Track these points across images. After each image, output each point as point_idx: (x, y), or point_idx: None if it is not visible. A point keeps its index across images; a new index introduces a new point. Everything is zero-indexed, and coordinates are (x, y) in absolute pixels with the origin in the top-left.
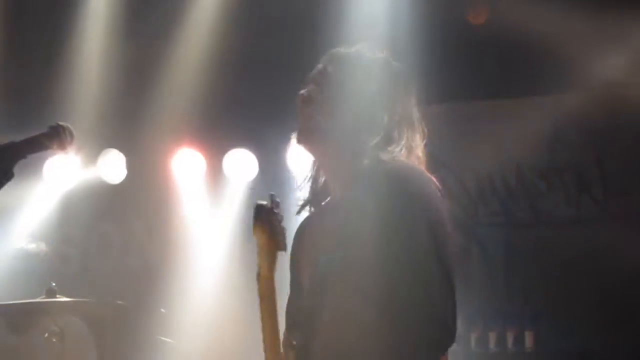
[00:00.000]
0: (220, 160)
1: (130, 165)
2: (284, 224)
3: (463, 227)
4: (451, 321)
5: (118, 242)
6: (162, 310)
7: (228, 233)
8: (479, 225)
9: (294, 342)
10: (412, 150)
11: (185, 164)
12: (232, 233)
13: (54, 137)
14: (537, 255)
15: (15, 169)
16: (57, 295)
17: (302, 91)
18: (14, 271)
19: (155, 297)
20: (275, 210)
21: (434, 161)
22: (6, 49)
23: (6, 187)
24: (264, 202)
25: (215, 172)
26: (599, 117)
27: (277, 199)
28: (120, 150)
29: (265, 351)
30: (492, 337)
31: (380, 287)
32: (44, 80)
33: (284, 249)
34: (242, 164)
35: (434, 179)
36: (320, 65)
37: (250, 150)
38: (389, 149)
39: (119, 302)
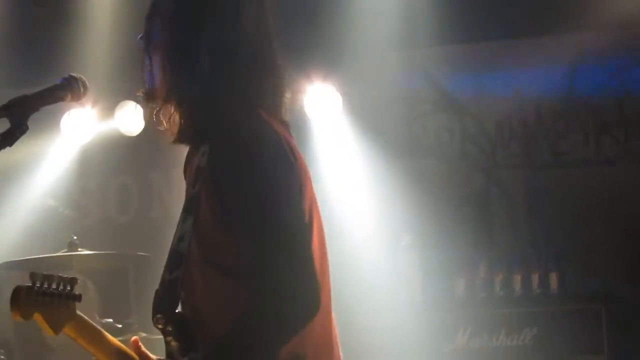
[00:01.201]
0: None
1: (147, 117)
2: (59, 285)
3: (482, 170)
4: (305, 293)
5: (137, 194)
6: None
7: None
8: (499, 167)
9: (159, 325)
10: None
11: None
12: None
13: (67, 88)
14: (558, 196)
15: (32, 123)
16: (79, 249)
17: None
18: (34, 226)
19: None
20: (37, 288)
21: (452, 102)
22: (19, 2)
23: (23, 141)
24: (21, 286)
25: None
26: (620, 57)
27: (40, 274)
28: (137, 102)
29: None
30: (517, 280)
31: (225, 261)
32: (58, 32)
33: (71, 299)
34: None
35: (273, 130)
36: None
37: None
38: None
39: (141, 253)
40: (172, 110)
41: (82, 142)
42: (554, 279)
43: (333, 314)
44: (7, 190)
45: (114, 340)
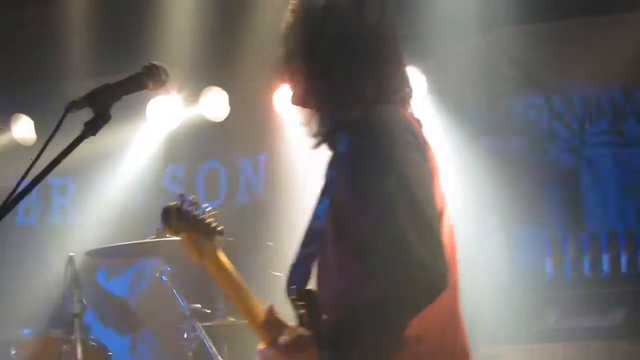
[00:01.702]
0: None
1: (232, 102)
2: (205, 214)
3: (570, 148)
4: (436, 264)
5: (224, 180)
6: (270, 244)
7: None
8: (588, 145)
9: (292, 296)
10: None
11: (287, 98)
12: None
13: (148, 76)
14: None
15: (118, 111)
16: (167, 235)
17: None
18: (122, 212)
19: (262, 233)
20: (187, 208)
21: (538, 81)
22: None
23: (110, 129)
24: (171, 204)
25: None
26: None
27: (189, 197)
28: (222, 87)
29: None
30: (606, 260)
31: (356, 237)
32: (142, 20)
33: (215, 232)
34: None
35: (405, 119)
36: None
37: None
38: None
39: (229, 238)
40: (311, 114)
41: (168, 128)
42: None
43: (460, 306)
44: (96, 178)
45: (249, 291)
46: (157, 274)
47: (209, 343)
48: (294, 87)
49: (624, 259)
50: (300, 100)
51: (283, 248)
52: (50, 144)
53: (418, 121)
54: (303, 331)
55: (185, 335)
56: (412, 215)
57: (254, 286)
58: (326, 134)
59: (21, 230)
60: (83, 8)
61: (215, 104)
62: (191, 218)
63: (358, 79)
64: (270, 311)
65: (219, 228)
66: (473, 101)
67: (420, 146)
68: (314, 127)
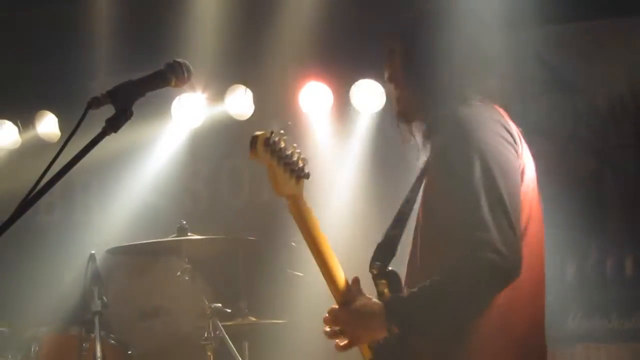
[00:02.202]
0: (347, 92)
1: (257, 101)
2: (294, 154)
3: (594, 150)
4: (509, 251)
5: (247, 178)
6: (293, 243)
7: (356, 165)
8: (612, 147)
9: (375, 271)
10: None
11: (312, 97)
12: (361, 165)
13: (171, 73)
14: None
15: (143, 109)
16: (189, 233)
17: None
18: (144, 210)
19: (285, 232)
20: (275, 140)
21: (563, 83)
22: None
23: (135, 126)
24: (261, 133)
25: (343, 104)
26: None
27: (281, 131)
28: (247, 85)
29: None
30: (629, 263)
31: (440, 222)
32: (168, 18)
33: (302, 174)
34: (369, 94)
35: (499, 117)
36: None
37: (377, 80)
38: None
39: (250, 237)
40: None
41: (193, 126)
42: None
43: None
44: (119, 175)
45: (327, 240)
46: (179, 273)
47: (229, 342)
48: (398, 102)
49: None
50: (407, 113)
51: (305, 247)
52: (74, 141)
53: (509, 116)
54: (377, 301)
55: (206, 335)
56: (492, 203)
57: (276, 285)
58: (427, 133)
59: (43, 226)
60: (109, 6)
61: (240, 102)
62: (278, 151)
63: (461, 80)
64: (356, 279)
65: (306, 171)
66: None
67: (512, 143)
68: (416, 132)
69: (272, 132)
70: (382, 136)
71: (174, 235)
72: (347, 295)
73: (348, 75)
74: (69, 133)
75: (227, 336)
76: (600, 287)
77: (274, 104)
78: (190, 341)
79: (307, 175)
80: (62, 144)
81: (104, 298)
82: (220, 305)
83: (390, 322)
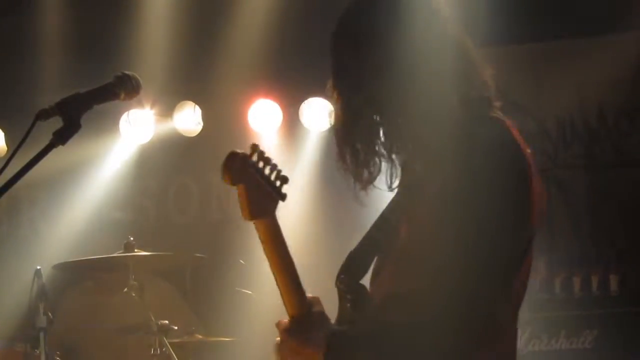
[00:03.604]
0: (297, 110)
1: (206, 118)
2: (273, 173)
3: (543, 170)
4: (472, 316)
5: (196, 195)
6: (242, 261)
7: (306, 183)
8: (561, 167)
9: (342, 286)
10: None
11: (262, 114)
12: (310, 183)
13: (120, 86)
14: (621, 197)
15: (91, 124)
16: (136, 250)
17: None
18: (91, 226)
19: (234, 249)
20: (255, 160)
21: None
22: (75, 3)
23: (82, 141)
24: (240, 151)
25: (292, 121)
26: None
27: (261, 149)
28: (196, 102)
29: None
30: (577, 281)
31: (421, 248)
32: (116, 33)
33: (279, 196)
34: (318, 113)
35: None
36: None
37: (327, 98)
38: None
39: (198, 254)
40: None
41: (141, 142)
42: (614, 280)
43: None
44: (67, 190)
45: (295, 267)
46: (126, 289)
47: None
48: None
49: (594, 281)
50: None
51: (253, 265)
52: (22, 155)
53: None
54: (324, 330)
55: (152, 352)
56: (483, 258)
57: (224, 303)
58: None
59: None
60: (57, 20)
61: (188, 118)
62: (256, 172)
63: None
64: (316, 299)
65: (283, 192)
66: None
67: (526, 170)
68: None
69: (253, 151)
70: (332, 154)
71: (121, 251)
72: (301, 323)
73: (298, 93)
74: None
75: (173, 353)
76: (548, 306)
77: (224, 121)
78: (136, 358)
79: (284, 197)
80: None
81: (50, 314)
82: (167, 322)
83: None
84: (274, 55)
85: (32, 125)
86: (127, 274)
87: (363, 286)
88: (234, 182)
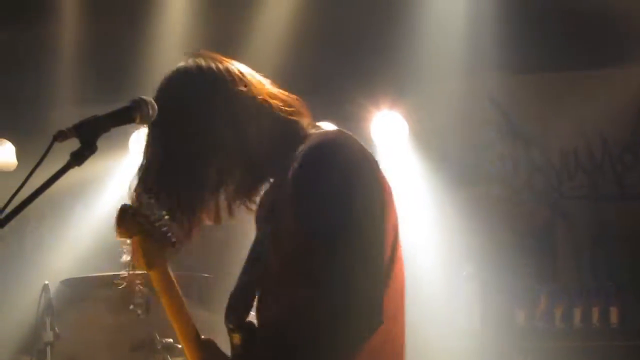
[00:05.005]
0: None
1: None
2: (162, 220)
3: (547, 201)
4: (352, 313)
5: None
6: (206, 275)
7: None
8: (564, 198)
9: (230, 326)
10: None
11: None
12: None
13: (137, 110)
14: (623, 230)
15: (101, 142)
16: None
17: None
18: (99, 243)
19: (239, 268)
20: (145, 212)
21: (517, 132)
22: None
23: (92, 159)
24: (129, 205)
25: None
26: None
27: (148, 199)
28: None
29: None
30: (577, 313)
31: (295, 269)
32: (130, 48)
33: (169, 243)
34: None
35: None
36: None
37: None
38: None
39: (205, 274)
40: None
41: None
42: (614, 313)
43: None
44: (74, 207)
45: (189, 315)
46: (131, 307)
47: None
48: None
49: (594, 313)
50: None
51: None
52: (25, 171)
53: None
54: None
55: None
56: (352, 259)
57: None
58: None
59: None
60: (71, 36)
61: None
62: (147, 223)
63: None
64: (210, 341)
65: (173, 240)
66: (453, 147)
67: (373, 168)
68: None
69: (141, 203)
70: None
71: (128, 269)
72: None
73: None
74: (26, 162)
75: None
76: (548, 336)
77: None
78: None
79: (174, 244)
80: (20, 173)
81: (56, 329)
82: (171, 340)
83: None
84: (284, 78)
85: (50, 145)
86: (133, 291)
87: (251, 323)
88: (130, 236)
